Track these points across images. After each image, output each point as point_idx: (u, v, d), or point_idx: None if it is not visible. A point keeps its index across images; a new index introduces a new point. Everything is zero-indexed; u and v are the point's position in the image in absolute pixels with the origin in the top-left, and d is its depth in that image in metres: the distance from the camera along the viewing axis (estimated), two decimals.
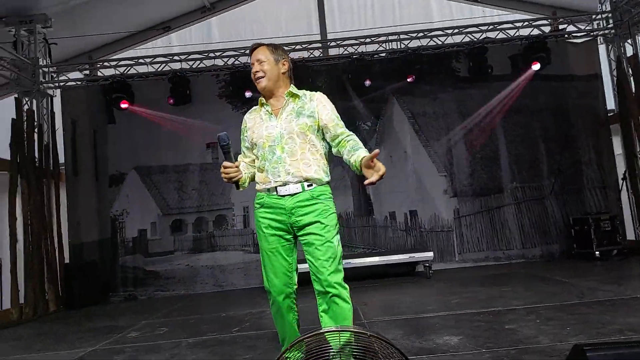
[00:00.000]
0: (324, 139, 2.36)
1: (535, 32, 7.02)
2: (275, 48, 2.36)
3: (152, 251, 6.75)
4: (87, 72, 7.14)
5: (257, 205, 2.35)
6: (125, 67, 6.98)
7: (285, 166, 2.24)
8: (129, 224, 6.80)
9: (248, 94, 6.48)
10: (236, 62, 7.01)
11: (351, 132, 2.34)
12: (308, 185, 2.24)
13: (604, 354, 1.38)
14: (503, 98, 6.93)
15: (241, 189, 2.42)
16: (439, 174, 6.82)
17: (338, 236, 2.27)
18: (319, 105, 2.31)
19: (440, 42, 7.07)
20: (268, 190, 2.29)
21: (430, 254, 5.75)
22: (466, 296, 4.31)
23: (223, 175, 2.24)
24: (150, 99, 6.88)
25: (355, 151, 2.21)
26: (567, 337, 2.64)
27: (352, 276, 5.75)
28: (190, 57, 7.01)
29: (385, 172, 2.04)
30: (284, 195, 2.24)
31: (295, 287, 2.34)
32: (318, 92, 2.39)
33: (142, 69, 7.01)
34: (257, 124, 2.35)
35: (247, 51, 6.89)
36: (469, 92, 6.96)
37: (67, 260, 6.51)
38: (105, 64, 7.11)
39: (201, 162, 6.92)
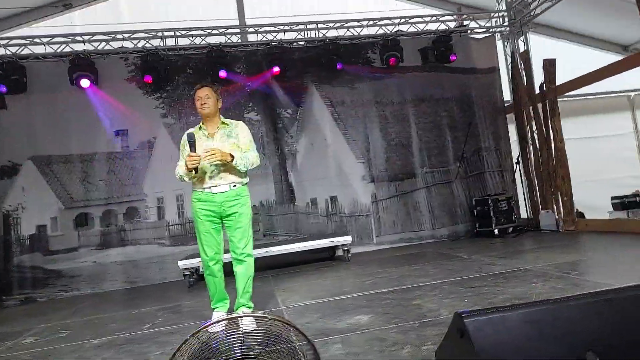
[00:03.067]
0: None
1: (442, 27, 7.44)
2: (215, 90, 3.33)
3: (52, 248, 6.17)
4: None
5: (195, 200, 3.26)
6: (18, 47, 6.31)
7: (219, 173, 3.19)
8: (25, 219, 6.15)
9: (223, 74, 6.36)
10: (147, 45, 6.63)
11: (250, 151, 3.30)
12: (233, 186, 3.23)
13: (477, 319, 1.55)
14: (414, 88, 7.29)
15: (194, 179, 3.21)
16: (357, 160, 7.02)
17: (251, 221, 3.34)
18: (241, 133, 3.32)
19: (356, 33, 7.24)
20: (204, 189, 3.22)
21: (349, 238, 5.90)
22: (380, 277, 4.50)
23: (189, 162, 3.05)
24: (48, 83, 6.28)
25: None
26: (465, 309, 2.85)
27: (274, 264, 5.82)
28: (94, 37, 6.50)
29: (214, 154, 3.05)
30: (215, 193, 3.21)
31: (221, 256, 3.32)
32: (241, 122, 3.42)
33: (39, 50, 6.38)
34: (197, 142, 3.16)
35: (160, 33, 6.60)
36: (384, 82, 7.22)
37: None
38: None
39: (109, 150, 6.46)
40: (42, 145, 6.28)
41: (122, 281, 6.25)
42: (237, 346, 1.47)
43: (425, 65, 7.33)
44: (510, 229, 6.66)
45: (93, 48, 6.49)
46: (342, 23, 7.19)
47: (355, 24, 7.23)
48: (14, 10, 6.92)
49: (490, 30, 7.69)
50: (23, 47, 6.34)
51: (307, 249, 6.01)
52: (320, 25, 7.13)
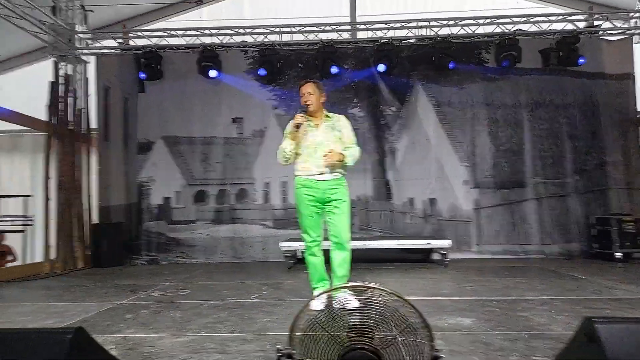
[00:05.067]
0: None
1: (569, 26, 6.92)
2: (318, 85, 3.49)
3: (175, 219, 6.98)
4: (120, 40, 7.30)
5: (300, 186, 3.44)
6: (158, 38, 7.12)
7: (322, 161, 3.33)
8: (154, 191, 7.03)
9: (334, 70, 6.64)
10: (265, 40, 7.08)
11: (353, 146, 3.49)
12: (335, 175, 3.40)
13: (612, 327, 1.45)
14: (531, 92, 6.88)
15: (293, 151, 3.42)
16: (460, 164, 6.84)
17: (350, 210, 3.48)
18: (344, 127, 3.50)
19: (470, 32, 7.02)
20: (308, 176, 3.40)
21: (448, 242, 5.80)
22: (481, 284, 4.39)
23: (296, 118, 3.32)
24: (180, 71, 7.03)
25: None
26: None
27: (368, 258, 5.93)
28: (221, 31, 7.10)
29: (332, 155, 3.28)
30: (319, 180, 3.38)
31: (321, 238, 3.49)
32: (343, 116, 3.57)
33: (174, 41, 7.14)
34: (303, 131, 3.39)
35: (277, 29, 7.02)
36: (497, 84, 6.93)
37: (95, 221, 6.78)
38: (139, 33, 7.26)
39: (226, 135, 7.07)
40: (171, 127, 7.08)
41: (230, 255, 6.85)
42: (356, 315, 1.58)
43: (545, 67, 6.85)
44: (637, 254, 5.96)
45: (219, 41, 7.10)
46: (457, 21, 7.02)
47: (471, 21, 7.01)
48: (155, 5, 7.83)
49: (627, 32, 6.96)
50: (161, 38, 7.14)
51: (402, 247, 6.04)
52: (432, 23, 7.03)
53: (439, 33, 6.98)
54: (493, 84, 6.93)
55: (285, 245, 5.73)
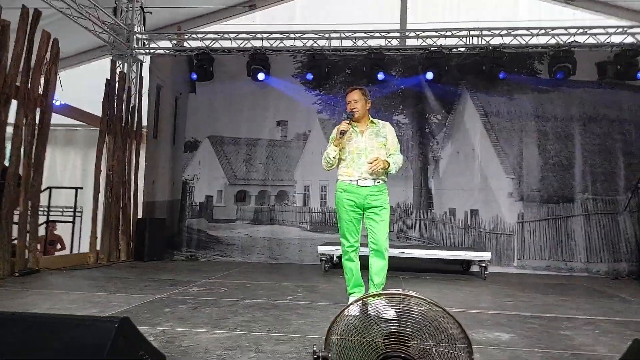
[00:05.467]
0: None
1: (629, 39, 6.59)
2: (364, 92, 3.51)
3: (215, 217, 7.17)
4: (175, 42, 7.59)
5: (341, 190, 3.46)
6: (211, 40, 7.35)
7: (365, 168, 3.35)
8: (197, 188, 7.25)
9: (381, 76, 6.68)
10: (314, 45, 7.16)
11: (397, 153, 3.50)
12: (377, 182, 3.41)
13: None
14: (585, 105, 6.60)
15: (337, 157, 3.47)
16: (506, 175, 6.65)
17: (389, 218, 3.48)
18: (389, 134, 3.51)
19: (524, 42, 6.83)
20: (350, 181, 3.41)
21: (488, 254, 5.66)
22: (521, 300, 4.24)
23: (342, 125, 3.37)
24: (230, 73, 7.22)
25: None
26: None
27: (404, 266, 5.86)
28: (272, 35, 7.24)
29: (377, 163, 3.27)
30: (362, 186, 3.39)
31: (359, 244, 3.52)
32: (387, 122, 3.59)
33: (226, 44, 7.35)
34: (347, 137, 3.44)
35: (327, 35, 7.08)
36: (549, 96, 6.70)
37: (140, 216, 7.06)
38: (193, 35, 7.53)
39: (270, 138, 7.21)
40: (218, 127, 7.29)
41: (266, 255, 6.95)
42: (394, 323, 1.57)
43: (601, 80, 6.58)
44: None
45: (269, 45, 7.24)
46: (510, 31, 6.85)
47: (524, 32, 6.83)
48: (209, 8, 8.11)
49: None
50: (214, 41, 7.36)
51: (440, 257, 5.94)
52: (484, 32, 6.89)
53: (491, 42, 6.83)
54: (544, 96, 6.71)
55: (322, 249, 5.76)
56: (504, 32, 6.84)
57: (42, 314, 1.47)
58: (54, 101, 5.51)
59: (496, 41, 6.85)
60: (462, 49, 7.00)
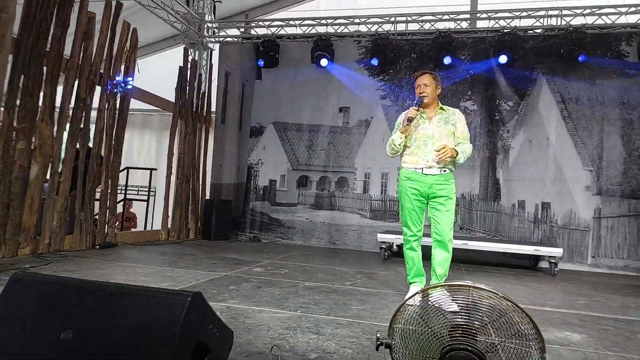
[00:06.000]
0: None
1: None
2: (435, 77, 3.38)
3: (278, 201, 7.37)
4: (242, 29, 7.78)
5: (405, 178, 3.35)
6: (277, 27, 7.45)
7: (432, 156, 3.23)
8: (262, 173, 7.48)
9: (447, 61, 6.51)
10: (379, 30, 7.03)
11: (466, 142, 3.33)
12: (443, 171, 3.28)
13: None
14: None
15: (403, 143, 3.34)
16: (583, 167, 6.20)
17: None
18: (459, 122, 3.34)
19: (609, 22, 6.27)
20: (415, 169, 3.30)
21: (560, 250, 5.34)
22: (595, 300, 3.97)
23: (410, 111, 3.24)
24: (294, 60, 7.30)
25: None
26: None
27: (467, 259, 5.69)
28: (336, 21, 7.20)
29: (446, 151, 3.13)
30: (427, 174, 3.27)
31: (421, 233, 3.39)
32: (457, 110, 3.42)
33: (291, 31, 7.41)
34: (414, 123, 3.31)
35: (393, 18, 6.92)
36: (637, 80, 6.12)
37: (207, 197, 7.41)
38: (260, 23, 7.67)
39: (332, 124, 7.22)
40: (282, 113, 7.42)
41: (326, 240, 7.05)
42: (462, 315, 1.54)
43: None
44: None
45: (333, 31, 7.21)
46: (594, 9, 6.31)
47: (611, 10, 6.25)
48: None
49: None
50: (280, 28, 7.45)
51: (507, 251, 5.70)
52: (564, 12, 6.40)
53: (572, 23, 6.33)
54: (631, 81, 6.15)
55: (382, 237, 5.72)
56: (587, 11, 6.31)
57: (122, 284, 1.60)
58: (129, 86, 5.86)
59: (578, 21, 6.34)
60: (539, 31, 6.55)
